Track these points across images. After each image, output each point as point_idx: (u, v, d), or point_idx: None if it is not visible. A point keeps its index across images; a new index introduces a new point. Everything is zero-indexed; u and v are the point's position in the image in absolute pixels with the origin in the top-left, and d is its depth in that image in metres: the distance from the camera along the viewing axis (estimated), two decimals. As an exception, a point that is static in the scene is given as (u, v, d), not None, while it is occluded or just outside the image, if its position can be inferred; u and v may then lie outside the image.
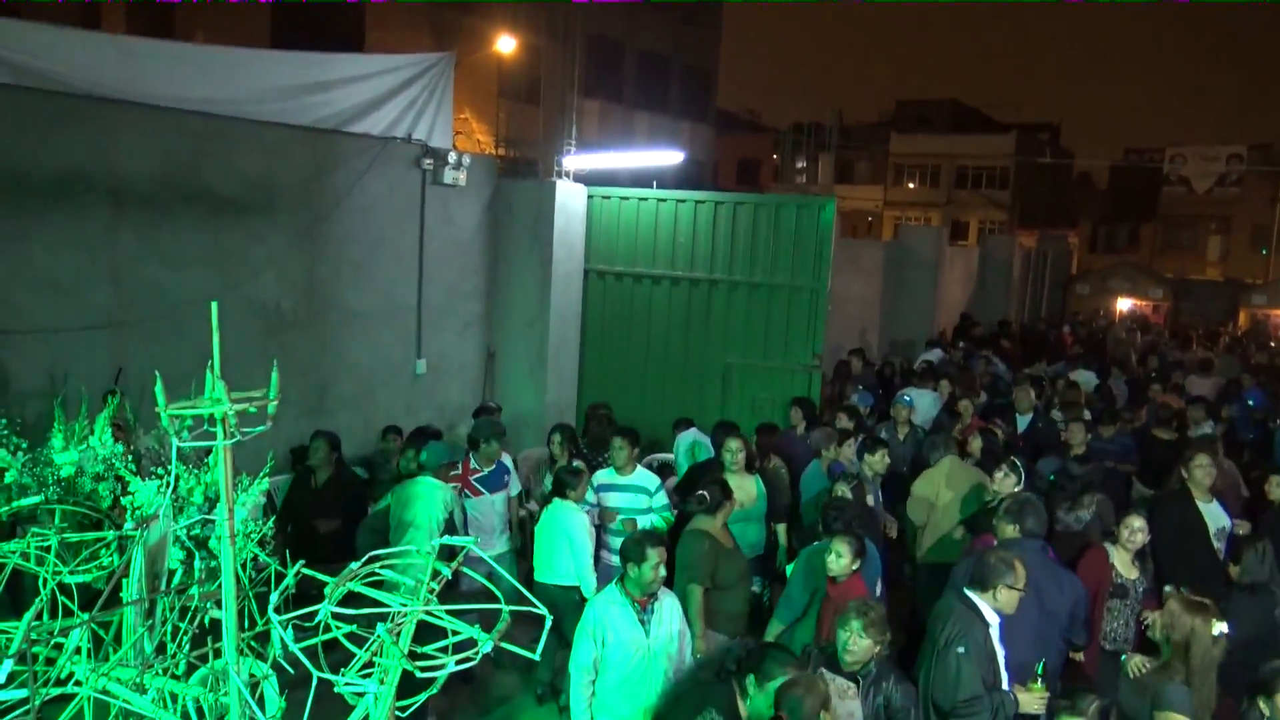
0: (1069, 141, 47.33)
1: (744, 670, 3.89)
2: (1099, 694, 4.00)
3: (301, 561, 2.81)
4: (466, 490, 6.85)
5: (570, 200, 10.24)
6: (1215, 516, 6.77)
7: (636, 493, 6.83)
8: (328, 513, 6.68)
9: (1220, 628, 4.24)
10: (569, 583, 6.11)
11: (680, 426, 8.56)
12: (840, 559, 5.01)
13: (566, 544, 6.09)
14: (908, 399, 9.77)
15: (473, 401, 9.69)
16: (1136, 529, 5.76)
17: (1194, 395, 11.50)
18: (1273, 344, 21.44)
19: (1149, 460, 8.82)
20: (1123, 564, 5.78)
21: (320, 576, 2.77)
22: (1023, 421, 10.08)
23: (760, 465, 7.46)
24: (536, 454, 8.43)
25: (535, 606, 2.90)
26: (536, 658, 2.77)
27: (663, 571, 4.58)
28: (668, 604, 4.71)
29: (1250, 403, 11.66)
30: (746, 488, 6.89)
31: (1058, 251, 28.85)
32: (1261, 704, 3.67)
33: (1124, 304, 28.62)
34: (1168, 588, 6.19)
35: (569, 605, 5.84)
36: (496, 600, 2.68)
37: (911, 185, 44.40)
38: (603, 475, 6.86)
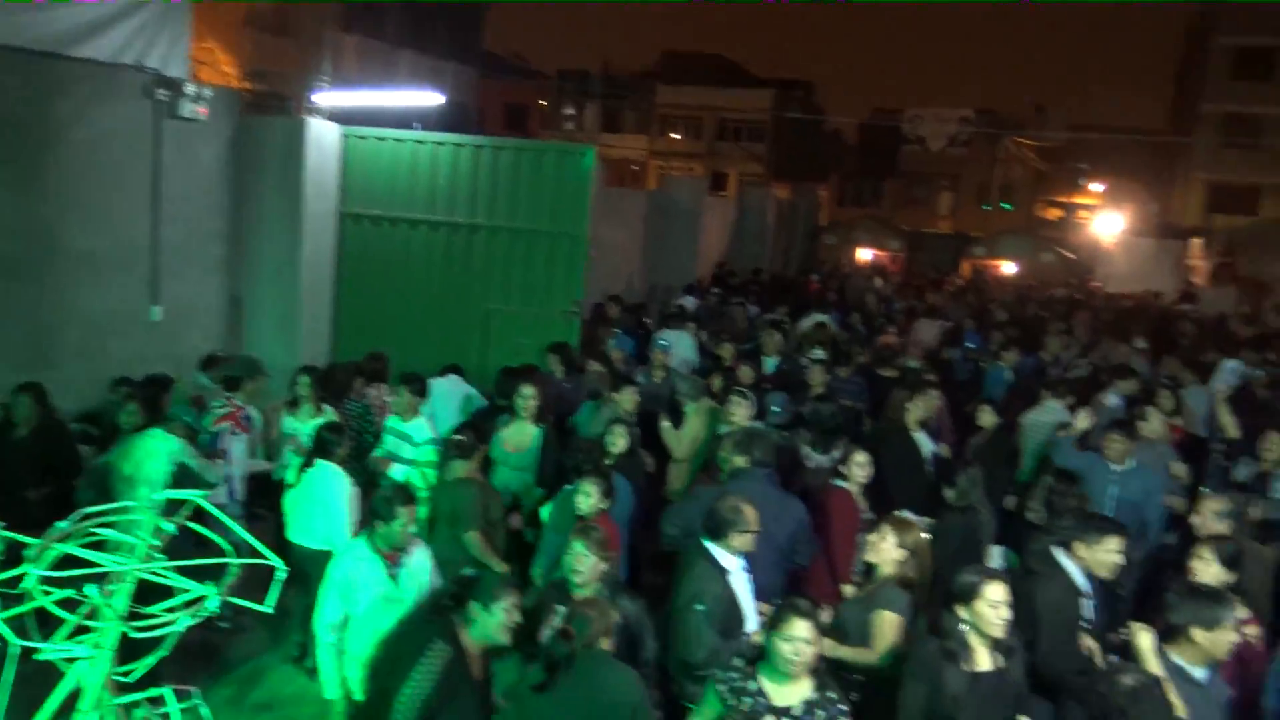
0: (822, 99, 49.56)
1: (463, 600, 3.93)
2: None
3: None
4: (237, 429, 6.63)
5: (323, 139, 9.79)
6: (924, 444, 7.51)
7: (403, 440, 6.83)
8: (33, 472, 6.16)
9: (924, 533, 4.72)
10: (323, 547, 5.77)
11: (444, 373, 8.49)
12: (588, 499, 5.17)
13: (323, 507, 5.87)
14: (664, 342, 10.11)
15: (217, 351, 9.17)
16: (863, 463, 6.16)
17: (918, 338, 12.62)
18: (989, 291, 23.62)
19: (876, 397, 9.58)
20: (859, 498, 6.24)
21: (25, 540, 2.59)
22: (770, 364, 10.69)
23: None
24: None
25: (268, 559, 2.82)
26: (269, 610, 2.71)
27: (413, 528, 4.56)
28: (419, 557, 4.70)
29: (969, 345, 12.86)
30: (526, 434, 6.92)
31: (809, 204, 30.48)
32: (961, 611, 4.02)
33: (866, 254, 30.67)
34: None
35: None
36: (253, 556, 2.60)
37: (676, 136, 45.36)
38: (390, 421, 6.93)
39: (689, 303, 14.60)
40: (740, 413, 7.16)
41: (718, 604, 4.47)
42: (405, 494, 4.68)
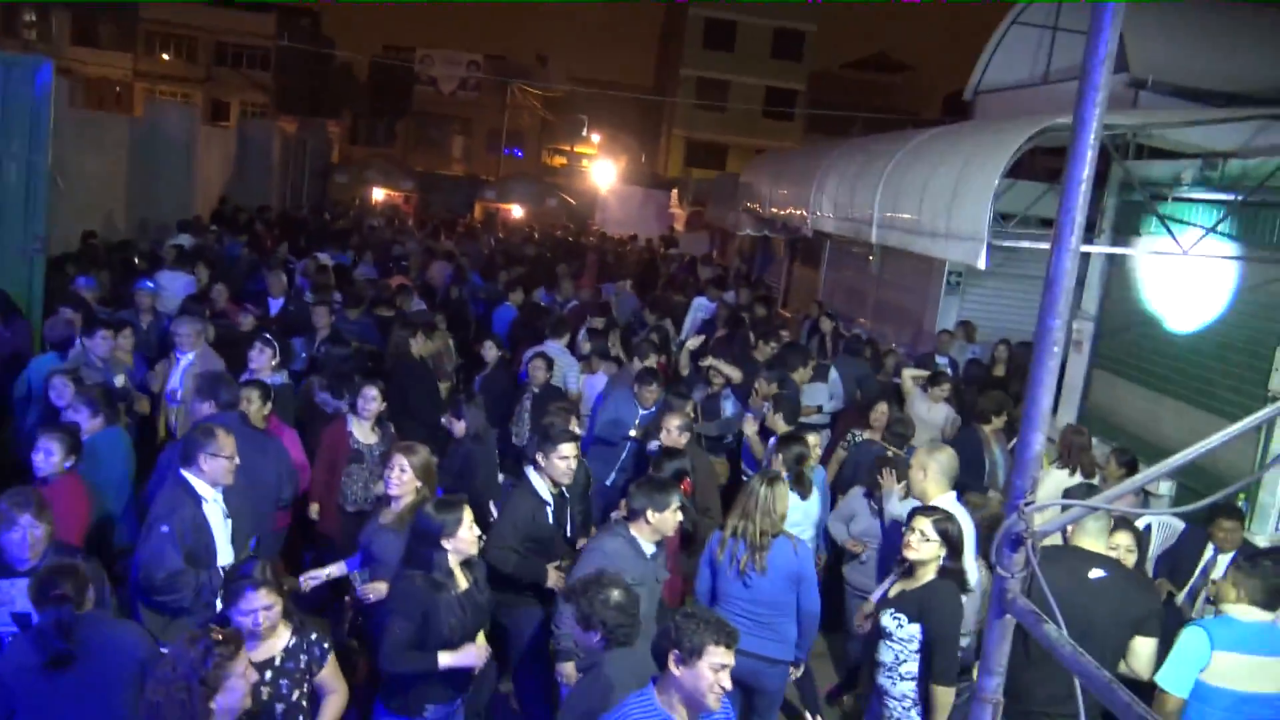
0: (331, 30, 47.60)
1: None
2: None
3: None
4: None
5: None
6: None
7: None
8: None
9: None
10: None
11: None
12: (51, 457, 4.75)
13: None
14: (149, 284, 9.27)
15: None
16: (371, 398, 6.27)
17: (428, 280, 12.89)
18: (500, 232, 24.61)
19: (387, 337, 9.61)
20: (361, 432, 6.30)
21: None
22: (275, 305, 10.26)
23: None
24: None
25: None
26: None
27: None
28: None
29: (475, 283, 13.38)
30: None
31: (319, 140, 29.37)
32: (444, 543, 4.20)
33: (379, 194, 30.33)
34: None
35: None
36: None
37: (166, 57, 41.07)
38: None
39: (185, 241, 13.45)
40: (263, 360, 6.83)
41: (185, 526, 4.33)
42: None
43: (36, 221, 8.78)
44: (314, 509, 6.20)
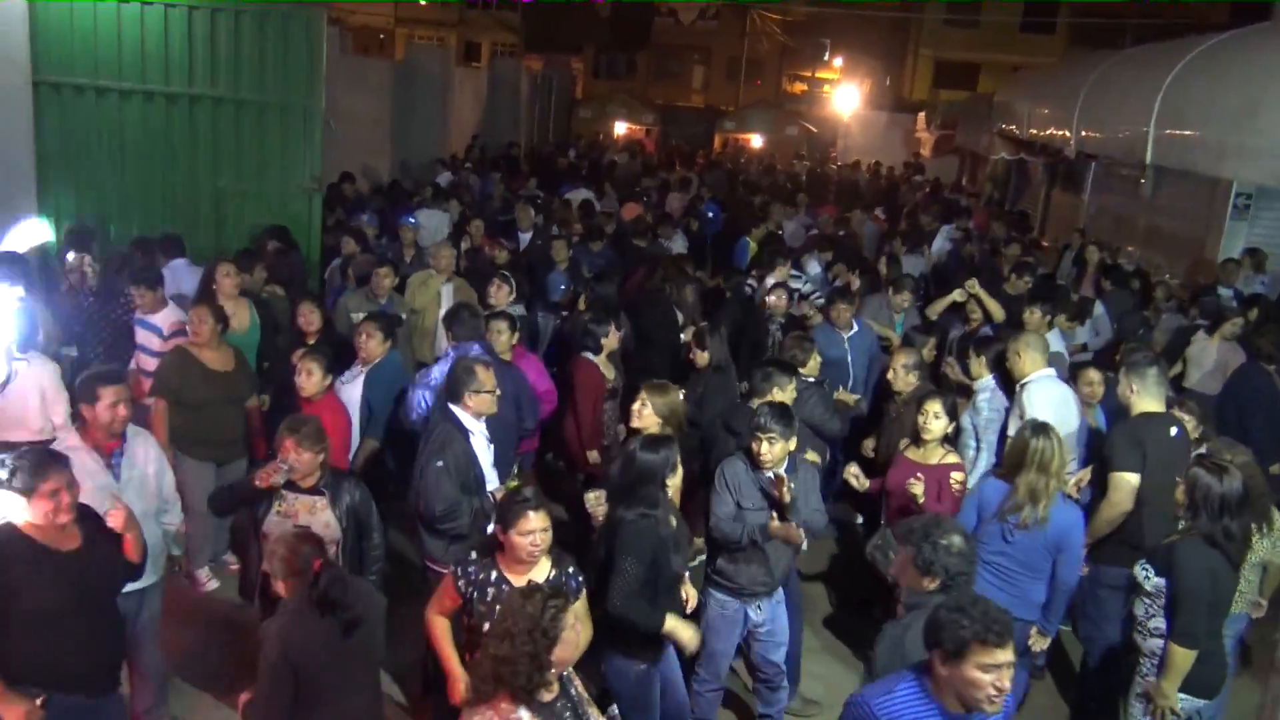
0: (575, -33, 48.36)
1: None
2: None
3: None
4: None
5: (4, -4, 8.56)
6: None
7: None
8: None
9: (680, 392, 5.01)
10: None
11: (171, 253, 7.92)
12: (311, 376, 5.19)
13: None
14: (412, 219, 9.86)
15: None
16: (616, 334, 6.45)
17: (667, 211, 12.95)
18: (740, 162, 24.42)
19: (627, 268, 9.79)
20: (606, 368, 6.46)
21: None
22: (524, 238, 10.68)
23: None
24: None
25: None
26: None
27: (125, 410, 4.30)
28: (137, 443, 4.46)
29: (709, 214, 13.35)
30: (239, 315, 6.69)
31: (563, 77, 30.09)
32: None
33: (621, 128, 30.79)
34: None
35: None
36: None
37: (424, 2, 43.17)
38: None
39: (443, 179, 14.23)
40: (500, 294, 7.14)
41: (457, 461, 4.57)
42: (106, 375, 4.40)
43: (314, 162, 9.51)
44: (593, 456, 6.30)
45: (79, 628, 3.62)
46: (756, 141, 30.17)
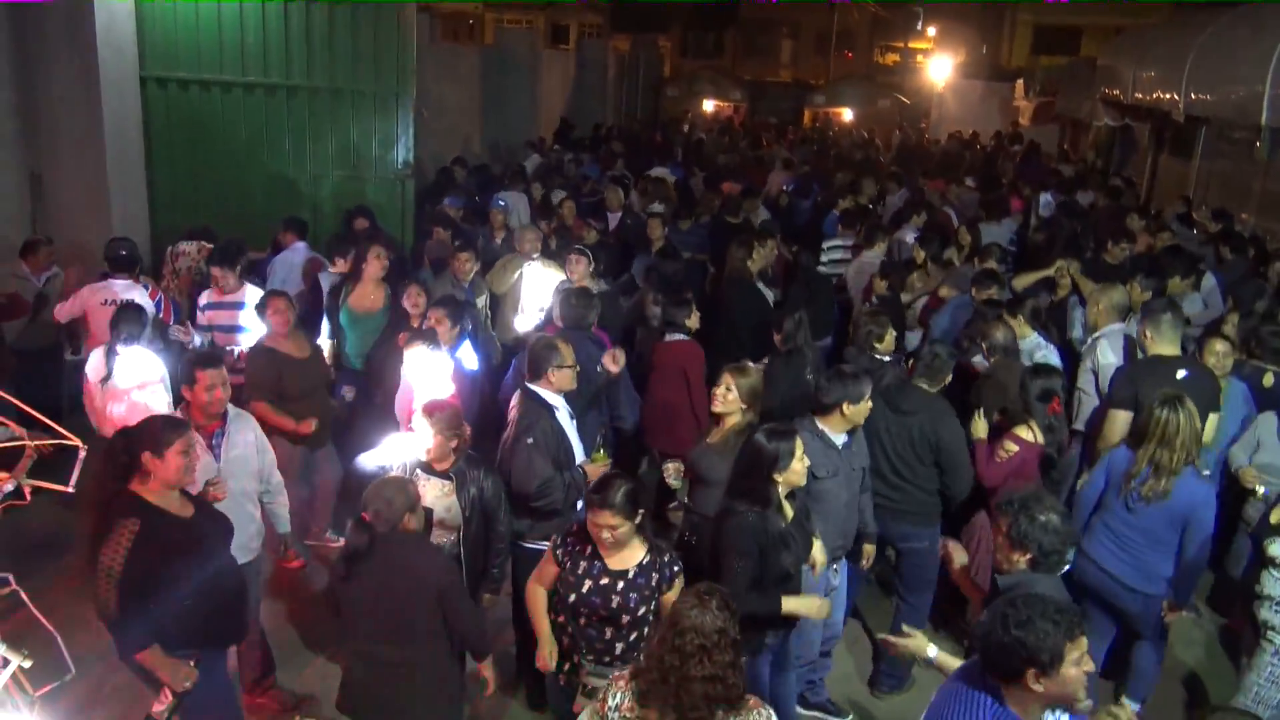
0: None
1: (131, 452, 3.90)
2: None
3: None
4: None
5: (110, -5, 8.93)
6: (765, 293, 7.76)
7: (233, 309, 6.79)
8: None
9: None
10: None
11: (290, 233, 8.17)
12: (442, 325, 5.48)
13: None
14: (501, 202, 9.99)
15: (19, 237, 8.52)
16: (696, 314, 6.43)
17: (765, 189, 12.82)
18: (830, 135, 24.03)
19: (718, 248, 9.74)
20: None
21: None
22: (613, 219, 10.72)
23: None
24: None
25: (67, 437, 2.74)
26: (70, 489, 2.64)
27: (223, 392, 4.48)
28: (238, 424, 4.64)
29: (805, 202, 13.15)
30: (374, 296, 6.89)
31: (650, 56, 29.96)
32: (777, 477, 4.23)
33: (709, 105, 30.57)
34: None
35: None
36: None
37: (512, -13, 43.50)
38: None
39: (531, 161, 14.36)
40: (579, 269, 7.19)
41: (546, 437, 4.61)
42: (206, 357, 4.63)
43: (408, 149, 9.72)
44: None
45: (215, 590, 3.83)
46: (847, 115, 29.63)
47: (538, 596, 3.93)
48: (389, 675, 3.79)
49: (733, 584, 3.83)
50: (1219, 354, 5.82)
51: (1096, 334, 6.16)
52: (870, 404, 4.68)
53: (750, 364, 5.19)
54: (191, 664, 3.77)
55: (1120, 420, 5.34)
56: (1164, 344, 5.58)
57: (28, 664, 2.42)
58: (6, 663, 2.39)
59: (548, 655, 3.83)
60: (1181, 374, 5.43)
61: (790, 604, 3.97)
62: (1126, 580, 4.63)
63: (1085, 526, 4.80)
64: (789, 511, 4.07)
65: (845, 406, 4.61)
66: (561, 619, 3.83)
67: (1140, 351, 5.79)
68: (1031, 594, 2.81)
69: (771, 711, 3.01)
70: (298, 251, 7.97)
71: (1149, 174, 16.59)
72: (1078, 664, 2.63)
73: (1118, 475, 4.68)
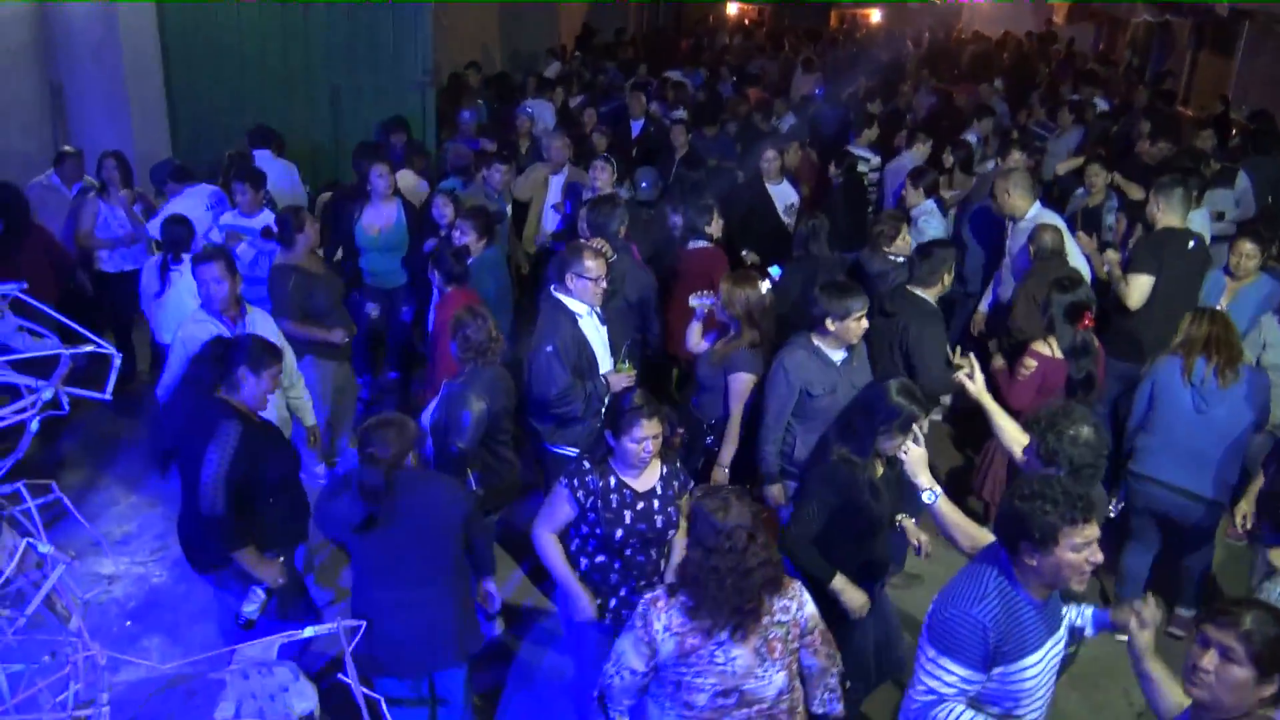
0: None
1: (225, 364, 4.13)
2: None
3: None
4: None
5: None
6: (784, 194, 7.63)
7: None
8: None
9: (765, 285, 4.83)
10: None
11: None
12: (466, 237, 5.65)
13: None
14: (529, 110, 9.84)
15: (39, 148, 8.49)
16: (719, 221, 6.33)
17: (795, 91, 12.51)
18: (858, 36, 23.39)
19: (750, 150, 9.53)
20: None
21: None
22: (636, 126, 10.54)
23: None
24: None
25: (100, 345, 2.75)
26: (108, 398, 2.65)
27: (236, 289, 4.78)
28: (256, 318, 4.89)
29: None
30: (386, 214, 6.79)
31: (672, -44, 29.02)
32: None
33: (733, 8, 29.73)
34: (744, 253, 7.04)
35: None
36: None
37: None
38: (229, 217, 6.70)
39: (552, 70, 14.08)
40: (602, 178, 7.10)
41: (567, 345, 4.58)
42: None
43: (426, 57, 9.56)
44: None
45: (293, 491, 4.21)
46: (876, 17, 28.74)
47: (554, 545, 3.75)
48: (425, 615, 3.60)
49: (798, 529, 3.77)
50: (1245, 253, 5.69)
51: (1020, 219, 6.31)
52: (865, 322, 4.47)
53: (753, 274, 5.04)
54: (280, 560, 4.02)
55: (1143, 284, 5.63)
56: (1173, 216, 5.80)
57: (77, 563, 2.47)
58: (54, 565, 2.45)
59: (589, 604, 3.70)
60: (1190, 244, 5.78)
61: (839, 582, 3.75)
62: (1201, 492, 4.58)
63: (1135, 450, 4.76)
64: (878, 464, 3.87)
65: (829, 322, 4.41)
66: (602, 559, 3.72)
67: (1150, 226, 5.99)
68: (1050, 475, 2.83)
69: (802, 586, 3.07)
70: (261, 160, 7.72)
71: (1188, 73, 16.08)
72: (1077, 550, 2.62)
73: (1169, 389, 4.61)
